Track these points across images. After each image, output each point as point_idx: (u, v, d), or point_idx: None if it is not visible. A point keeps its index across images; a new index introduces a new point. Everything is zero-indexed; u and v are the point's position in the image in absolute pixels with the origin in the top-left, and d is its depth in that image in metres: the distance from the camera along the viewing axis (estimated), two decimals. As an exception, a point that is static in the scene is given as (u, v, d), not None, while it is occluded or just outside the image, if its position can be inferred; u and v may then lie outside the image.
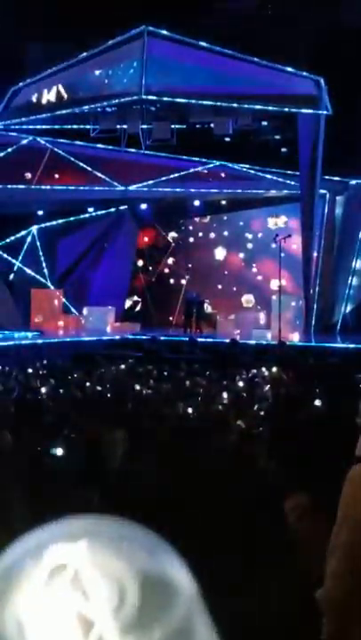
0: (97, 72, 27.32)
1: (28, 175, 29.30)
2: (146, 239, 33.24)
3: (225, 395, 15.44)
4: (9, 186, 28.75)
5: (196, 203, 31.15)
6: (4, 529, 1.12)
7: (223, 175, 29.74)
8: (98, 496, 4.23)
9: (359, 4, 25.91)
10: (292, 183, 27.97)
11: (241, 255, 32.19)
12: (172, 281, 33.02)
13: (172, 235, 33.20)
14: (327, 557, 2.66)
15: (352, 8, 26.19)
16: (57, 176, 29.70)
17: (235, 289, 31.79)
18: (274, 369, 19.34)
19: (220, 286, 32.12)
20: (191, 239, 33.09)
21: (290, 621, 1.21)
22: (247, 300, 31.18)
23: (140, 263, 33.28)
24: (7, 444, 10.27)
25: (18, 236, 30.88)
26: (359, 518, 2.60)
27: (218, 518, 1.20)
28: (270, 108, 26.86)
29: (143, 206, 31.76)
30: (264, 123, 28.63)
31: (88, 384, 17.12)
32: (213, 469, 1.26)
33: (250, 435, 9.98)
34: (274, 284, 28.34)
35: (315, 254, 27.68)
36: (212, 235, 32.76)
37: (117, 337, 27.35)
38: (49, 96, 28.08)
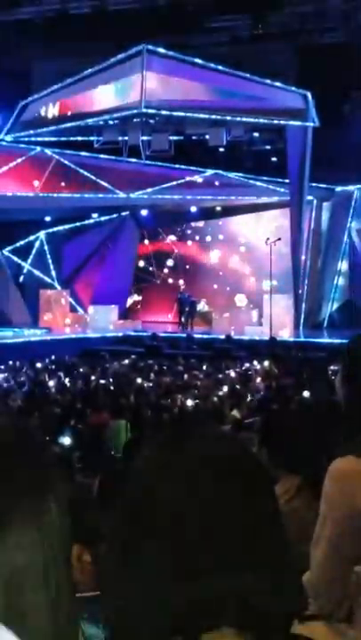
0: (100, 87, 27.31)
1: (37, 184, 29.30)
2: (146, 242, 33.22)
3: (221, 387, 15.47)
4: (18, 194, 28.74)
5: (193, 209, 31.17)
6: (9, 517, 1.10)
7: (217, 183, 29.72)
8: (98, 482, 4.23)
9: (340, 24, 25.87)
10: (282, 190, 27.96)
11: (235, 257, 32.17)
12: (170, 281, 33.00)
13: (171, 238, 33.21)
14: (312, 547, 2.65)
15: (335, 27, 26.17)
16: (63, 184, 29.70)
17: (228, 289, 31.79)
18: (265, 363, 19.35)
19: (215, 286, 32.14)
20: (189, 242, 33.09)
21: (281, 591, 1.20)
22: (240, 299, 31.19)
23: (142, 264, 33.28)
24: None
25: (27, 240, 30.88)
26: (341, 513, 2.58)
27: (216, 501, 1.19)
28: (261, 120, 26.89)
29: (144, 212, 31.77)
30: (255, 134, 28.66)
31: (93, 377, 17.13)
32: (211, 456, 1.24)
33: (244, 424, 9.98)
34: (266, 285, 28.32)
35: (303, 256, 27.68)
36: (208, 238, 32.77)
37: (120, 333, 27.35)
38: (55, 110, 28.13)
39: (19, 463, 1.08)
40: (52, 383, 16.10)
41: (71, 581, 1.12)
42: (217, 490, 1.18)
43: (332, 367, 15.75)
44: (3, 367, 18.50)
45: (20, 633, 1.01)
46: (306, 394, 12.19)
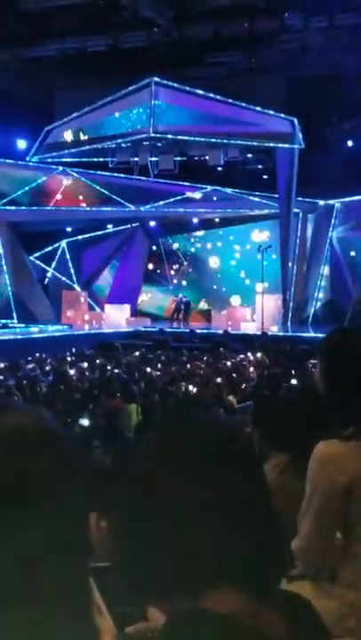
0: (114, 115, 27.30)
1: (59, 199, 29.33)
2: (154, 248, 33.17)
3: (219, 375, 15.45)
4: (43, 208, 28.77)
5: (195, 220, 31.14)
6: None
7: (215, 198, 29.68)
8: (111, 458, 4.24)
9: (323, 59, 25.83)
10: (272, 204, 27.91)
11: (231, 262, 32.12)
12: (175, 281, 32.97)
13: (176, 246, 33.17)
14: (299, 519, 2.64)
15: (318, 62, 26.12)
16: (82, 199, 29.71)
17: (224, 289, 31.74)
18: (258, 354, 19.32)
19: (214, 287, 32.09)
20: (192, 249, 33.04)
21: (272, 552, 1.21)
22: (235, 299, 31.14)
23: (151, 267, 33.24)
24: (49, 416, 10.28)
25: (51, 248, 30.86)
26: (324, 491, 2.56)
27: (210, 476, 1.19)
28: (254, 143, 26.87)
29: (152, 223, 31.74)
30: (249, 155, 28.61)
31: (108, 367, 17.12)
32: (211, 435, 1.24)
33: (239, 407, 9.99)
34: (258, 287, 28.27)
35: (290, 262, 27.65)
36: (209, 245, 32.71)
37: (132, 329, 27.34)
38: (75, 135, 28.13)
39: (37, 452, 1.07)
40: (72, 372, 16.07)
41: (87, 553, 1.11)
42: (211, 466, 1.18)
43: (311, 361, 15.61)
44: (30, 359, 18.47)
45: (35, 602, 1.00)
46: (293, 381, 12.19)
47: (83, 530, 1.09)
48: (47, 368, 16.83)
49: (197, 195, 29.62)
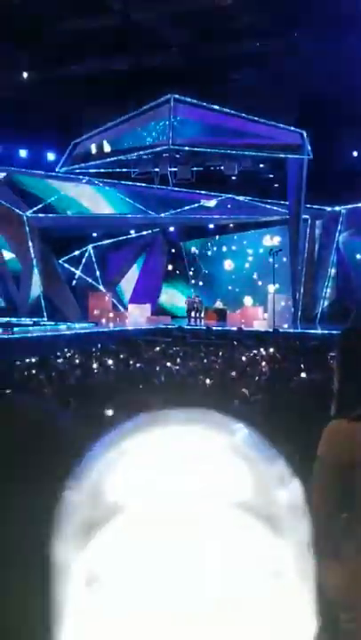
0: (136, 129, 27.33)
1: (86, 206, 29.42)
2: (173, 251, 33.19)
3: (234, 369, 15.43)
4: (71, 215, 28.89)
5: (211, 225, 31.14)
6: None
7: (230, 205, 29.67)
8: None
9: (331, 77, 25.73)
10: (283, 210, 27.86)
11: (245, 265, 32.10)
12: (192, 282, 32.99)
13: (194, 249, 33.18)
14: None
15: (327, 81, 26.02)
16: (106, 207, 29.78)
17: (238, 290, 31.72)
18: (270, 350, 19.27)
19: (229, 288, 32.07)
20: (209, 252, 33.04)
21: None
22: (248, 299, 31.09)
23: (170, 267, 33.28)
24: (72, 408, 10.32)
25: (78, 252, 30.97)
26: (332, 465, 2.59)
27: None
28: (266, 154, 26.81)
29: (171, 229, 31.77)
30: (261, 165, 28.54)
31: (131, 362, 17.13)
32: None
33: (253, 399, 9.96)
34: (270, 288, 28.22)
35: (300, 264, 27.59)
36: (224, 249, 32.70)
37: (153, 327, 27.38)
38: (101, 147, 28.18)
39: (41, 442, 1.07)
40: (99, 366, 16.11)
41: None
42: None
43: (330, 354, 15.60)
44: (59, 354, 18.54)
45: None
46: (303, 375, 12.14)
47: None
48: (75, 362, 16.87)
49: (212, 202, 29.60)
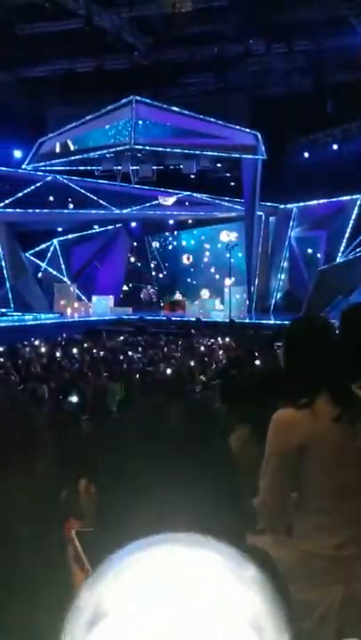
0: (99, 129, 27.17)
1: (51, 202, 29.18)
2: (135, 244, 33.13)
3: (192, 357, 15.48)
4: (37, 210, 28.61)
5: (171, 221, 31.13)
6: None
7: (188, 202, 29.68)
8: (98, 427, 4.25)
9: (282, 79, 25.88)
10: (239, 207, 27.96)
11: (203, 259, 32.17)
12: (153, 274, 32.98)
13: (155, 244, 33.14)
14: (260, 477, 2.69)
15: (278, 82, 26.16)
16: (71, 203, 29.57)
17: (196, 282, 31.81)
18: (226, 339, 19.37)
19: (188, 280, 32.13)
20: (170, 247, 33.03)
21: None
22: (204, 292, 31.11)
23: (132, 260, 33.22)
24: (44, 393, 10.28)
25: (44, 246, 30.71)
26: (280, 452, 2.63)
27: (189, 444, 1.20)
28: (222, 154, 26.91)
29: (133, 224, 31.68)
30: (218, 164, 28.60)
31: (95, 351, 17.09)
32: (186, 409, 1.25)
33: (209, 385, 10.01)
34: (226, 280, 28.32)
35: (255, 258, 27.73)
36: (183, 243, 32.73)
37: (115, 317, 27.31)
38: (65, 146, 27.98)
39: (10, 427, 1.07)
40: (63, 355, 16.04)
41: (59, 517, 1.10)
42: (182, 435, 1.19)
43: (276, 343, 15.70)
44: (26, 343, 18.39)
45: (12, 563, 1.00)
46: (256, 362, 12.23)
47: (54, 493, 1.10)
48: (41, 351, 16.77)
49: (169, 201, 29.55)
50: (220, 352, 16.68)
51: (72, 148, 27.85)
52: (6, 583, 0.99)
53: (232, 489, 1.22)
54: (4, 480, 1.02)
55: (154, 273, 32.93)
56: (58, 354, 16.07)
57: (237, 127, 26.21)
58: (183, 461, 1.16)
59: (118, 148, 26.75)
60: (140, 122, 26.16)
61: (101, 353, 16.47)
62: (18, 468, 1.02)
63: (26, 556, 1.01)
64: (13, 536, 1.01)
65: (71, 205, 29.70)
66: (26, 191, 28.72)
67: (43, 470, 1.06)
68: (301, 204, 28.25)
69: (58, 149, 28.02)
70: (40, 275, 30.73)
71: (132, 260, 33.18)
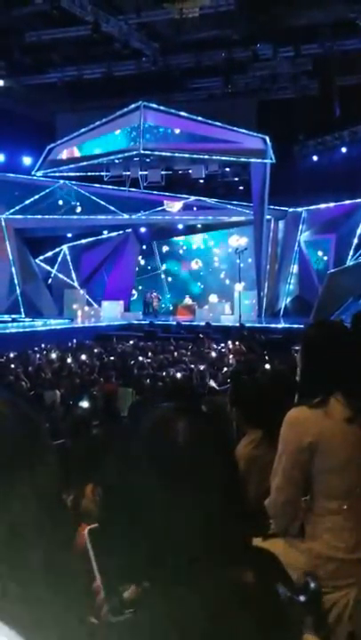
0: (108, 134, 27.25)
1: (60, 208, 29.27)
2: (144, 247, 33.17)
3: (202, 362, 15.46)
4: (47, 216, 28.70)
5: (180, 226, 31.15)
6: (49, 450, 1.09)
7: (198, 206, 29.69)
8: (109, 432, 4.24)
9: (290, 84, 25.90)
10: (247, 212, 27.94)
11: (212, 263, 32.17)
12: (162, 277, 33.01)
13: (165, 249, 33.16)
14: (272, 477, 2.69)
15: (286, 87, 26.19)
16: (80, 209, 29.65)
17: (206, 287, 31.82)
18: (236, 343, 19.34)
19: (198, 284, 32.15)
20: (181, 251, 33.03)
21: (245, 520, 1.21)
22: (216, 295, 31.09)
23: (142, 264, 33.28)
24: (57, 398, 10.30)
25: (54, 252, 30.81)
26: (292, 449, 2.63)
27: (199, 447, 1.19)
28: (231, 158, 26.89)
29: (142, 229, 31.72)
30: (227, 169, 28.60)
31: (105, 356, 17.10)
32: (196, 414, 1.25)
33: (220, 390, 10.00)
34: (236, 284, 28.28)
35: (264, 262, 27.70)
36: (194, 247, 32.73)
37: (125, 322, 27.32)
38: (74, 152, 28.07)
39: (11, 431, 1.07)
40: (73, 360, 16.07)
41: (65, 518, 1.10)
42: (191, 446, 1.18)
43: (294, 347, 15.68)
44: (36, 349, 18.44)
45: (18, 564, 1.00)
46: (267, 367, 12.20)
47: (57, 497, 1.10)
48: (51, 357, 16.80)
49: (175, 207, 29.57)
50: (231, 356, 16.65)
51: (81, 154, 27.97)
52: (12, 585, 0.99)
53: (235, 505, 1.21)
54: (6, 485, 1.02)
55: (163, 276, 32.94)
56: (68, 359, 16.09)
57: (246, 131, 26.20)
58: (189, 479, 1.16)
59: (127, 154, 26.82)
60: (149, 127, 26.22)
61: (112, 358, 16.47)
62: (20, 472, 1.03)
63: (30, 561, 1.01)
64: (18, 540, 1.01)
65: (80, 210, 29.77)
66: (35, 197, 28.85)
67: (45, 475, 1.06)
68: (310, 207, 28.23)
69: (67, 155, 28.14)
70: (50, 280, 30.82)
71: (142, 263, 33.21)
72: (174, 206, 29.57)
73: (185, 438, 1.20)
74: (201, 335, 22.29)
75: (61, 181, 29.26)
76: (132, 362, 15.56)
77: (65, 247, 30.98)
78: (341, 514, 2.59)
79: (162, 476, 1.16)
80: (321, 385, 2.68)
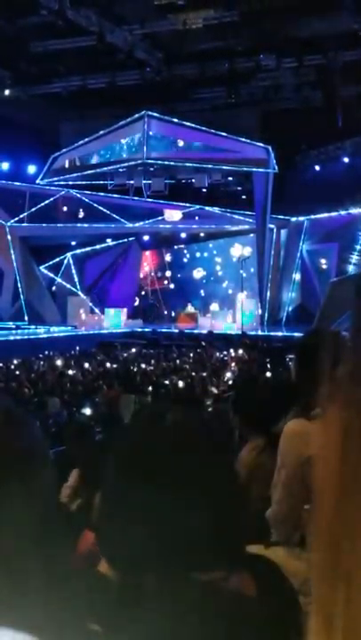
0: (112, 143, 27.34)
1: (64, 217, 29.34)
2: (147, 254, 33.18)
3: (204, 369, 15.44)
4: (51, 225, 28.77)
5: (183, 235, 31.17)
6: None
7: (201, 216, 29.73)
8: (112, 439, 4.23)
9: (293, 94, 25.94)
10: (250, 220, 27.96)
11: (214, 271, 32.16)
12: (168, 284, 33.05)
13: (167, 257, 33.18)
14: (272, 490, 2.68)
15: (289, 97, 26.23)
16: (84, 217, 29.70)
17: (208, 295, 31.78)
18: (239, 351, 19.33)
19: (200, 292, 32.13)
20: (184, 259, 33.02)
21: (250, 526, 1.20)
22: (218, 303, 31.02)
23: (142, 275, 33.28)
24: (58, 406, 10.28)
25: (57, 260, 30.86)
26: (292, 462, 2.61)
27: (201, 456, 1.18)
28: (234, 168, 26.95)
29: (145, 238, 31.76)
30: (230, 178, 28.67)
31: (108, 363, 17.09)
32: (200, 421, 1.23)
33: (221, 398, 9.99)
34: (238, 292, 28.24)
35: (266, 270, 27.69)
36: (197, 255, 32.72)
37: (128, 330, 27.31)
38: (78, 161, 28.17)
39: (7, 439, 1.05)
40: (76, 368, 16.05)
41: (63, 530, 1.08)
42: (185, 448, 1.17)
43: (289, 356, 15.62)
44: (40, 356, 18.44)
45: (12, 577, 0.99)
46: (268, 374, 12.19)
47: (54, 505, 1.09)
48: (55, 364, 16.80)
49: (175, 216, 29.60)
50: (233, 364, 16.63)
51: (85, 162, 28.06)
52: (7, 594, 0.98)
53: (236, 511, 1.19)
54: (2, 494, 1.01)
55: (165, 282, 32.96)
56: (71, 366, 16.08)
57: (249, 141, 26.26)
58: (178, 489, 1.14)
59: (131, 163, 26.89)
60: (153, 136, 26.29)
61: (114, 365, 16.46)
62: (16, 481, 1.01)
63: (27, 570, 1.00)
64: (13, 549, 1.00)
65: (83, 218, 29.83)
66: (40, 206, 28.91)
67: (42, 483, 1.05)
68: (313, 216, 28.24)
69: (71, 164, 28.23)
70: (54, 288, 30.86)
71: (146, 269, 33.25)
72: (173, 216, 29.61)
73: (176, 429, 1.18)
74: (203, 343, 22.29)
75: (65, 190, 29.32)
76: (135, 369, 15.55)
77: (69, 255, 31.04)
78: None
79: (152, 474, 1.14)
80: (318, 396, 2.65)
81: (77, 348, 21.29)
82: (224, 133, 26.15)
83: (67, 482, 3.94)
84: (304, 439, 2.59)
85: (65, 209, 29.57)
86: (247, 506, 1.27)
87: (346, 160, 27.40)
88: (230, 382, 12.39)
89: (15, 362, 16.54)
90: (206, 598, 1.10)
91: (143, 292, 32.74)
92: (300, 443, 2.60)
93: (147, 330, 26.70)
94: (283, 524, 2.66)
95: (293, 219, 28.80)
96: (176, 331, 26.37)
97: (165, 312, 31.97)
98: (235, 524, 1.18)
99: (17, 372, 14.36)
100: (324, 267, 28.22)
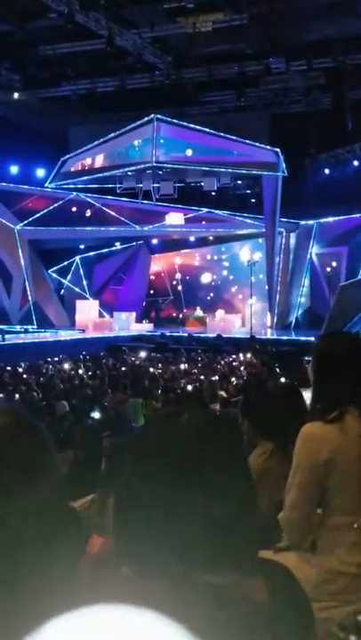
0: (121, 147, 27.39)
1: (73, 220, 29.40)
2: (155, 256, 33.20)
3: (213, 373, 15.42)
4: (60, 228, 28.84)
5: (192, 238, 31.17)
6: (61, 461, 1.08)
7: (208, 219, 29.72)
8: (120, 442, 4.23)
9: (302, 98, 25.93)
10: (259, 224, 27.94)
11: (223, 275, 32.13)
12: (177, 287, 33.06)
13: (176, 260, 33.17)
14: (286, 492, 2.67)
15: (298, 100, 26.22)
16: (93, 221, 29.76)
17: (217, 298, 31.73)
18: (248, 355, 19.30)
19: (212, 294, 32.06)
20: (195, 263, 32.99)
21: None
22: (226, 307, 30.93)
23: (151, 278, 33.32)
24: (65, 409, 10.29)
25: (66, 263, 30.91)
26: (307, 465, 2.61)
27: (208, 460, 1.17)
28: (243, 171, 26.94)
29: (154, 241, 31.78)
30: (239, 181, 28.67)
31: (116, 367, 17.07)
32: (205, 425, 1.23)
33: (230, 402, 9.97)
34: (247, 296, 28.21)
35: (276, 274, 27.66)
36: (208, 258, 32.68)
37: (137, 333, 27.33)
38: (87, 164, 28.23)
39: (15, 442, 1.06)
40: (85, 371, 16.06)
41: (71, 531, 1.08)
42: (197, 449, 1.17)
43: (305, 358, 15.61)
44: (49, 360, 18.46)
45: (18, 576, 0.99)
46: (277, 379, 12.15)
47: (62, 506, 1.09)
48: (63, 368, 16.81)
49: (178, 219, 29.62)
50: (242, 368, 16.61)
51: (94, 166, 28.13)
52: (11, 596, 0.98)
53: (248, 513, 1.19)
54: (10, 495, 1.01)
55: (174, 283, 32.97)
56: (80, 370, 16.09)
57: (258, 144, 26.26)
58: (196, 475, 1.14)
59: (140, 166, 26.93)
60: (162, 140, 26.33)
61: (123, 369, 16.45)
62: (23, 482, 1.02)
63: (32, 570, 1.01)
64: (20, 548, 1.01)
65: (92, 221, 29.89)
66: (49, 209, 29.00)
67: (49, 485, 1.05)
68: (322, 220, 28.21)
69: (80, 167, 28.31)
70: (62, 291, 30.92)
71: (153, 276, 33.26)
72: (175, 219, 29.62)
73: (190, 430, 1.18)
74: (214, 347, 22.26)
75: (74, 193, 29.39)
76: (144, 373, 15.54)
77: (77, 258, 31.09)
78: (354, 530, 2.56)
79: (168, 471, 1.14)
80: (334, 399, 2.65)
81: (85, 351, 21.29)
82: (233, 137, 26.16)
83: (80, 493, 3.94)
84: (320, 441, 2.60)
85: (74, 212, 29.64)
86: (258, 509, 1.26)
87: (355, 163, 27.37)
88: (239, 386, 12.37)
89: (24, 365, 16.57)
90: (218, 602, 1.10)
91: (152, 296, 32.72)
92: (315, 444, 2.60)
93: (155, 334, 26.69)
94: (296, 529, 2.65)
95: (303, 222, 28.78)
96: (185, 334, 26.35)
97: (174, 315, 31.95)
98: (248, 525, 1.18)
99: (25, 376, 14.38)
100: (335, 271, 28.15)
